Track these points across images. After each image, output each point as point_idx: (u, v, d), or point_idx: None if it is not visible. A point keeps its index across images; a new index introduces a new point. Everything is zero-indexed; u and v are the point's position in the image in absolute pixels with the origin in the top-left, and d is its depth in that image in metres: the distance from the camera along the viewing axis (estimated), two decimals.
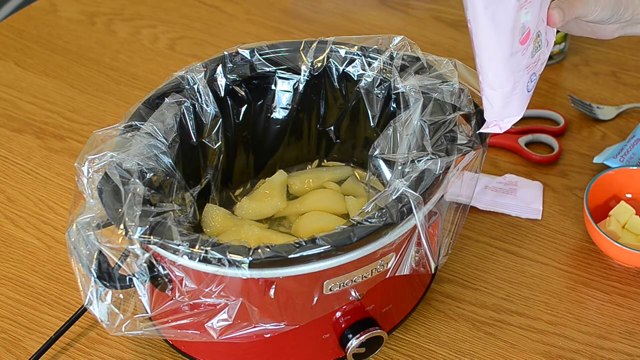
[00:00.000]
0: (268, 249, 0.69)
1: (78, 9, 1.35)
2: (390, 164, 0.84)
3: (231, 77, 0.90)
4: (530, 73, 0.76)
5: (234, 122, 0.92)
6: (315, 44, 0.91)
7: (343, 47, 0.90)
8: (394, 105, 0.88)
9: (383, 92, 0.89)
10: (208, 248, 0.69)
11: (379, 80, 0.89)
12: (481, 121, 0.79)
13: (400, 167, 0.78)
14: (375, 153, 0.83)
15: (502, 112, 0.77)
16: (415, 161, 0.77)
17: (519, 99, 0.77)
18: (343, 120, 0.95)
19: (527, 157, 1.07)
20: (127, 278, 0.72)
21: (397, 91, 0.86)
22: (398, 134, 0.82)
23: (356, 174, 0.98)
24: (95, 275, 0.71)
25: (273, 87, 0.92)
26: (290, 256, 0.69)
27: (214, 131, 0.89)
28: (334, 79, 0.91)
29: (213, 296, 0.71)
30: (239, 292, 0.72)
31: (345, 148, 0.98)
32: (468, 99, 0.81)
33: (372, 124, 0.91)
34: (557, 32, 0.87)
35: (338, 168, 0.99)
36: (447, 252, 0.85)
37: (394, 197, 0.73)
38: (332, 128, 0.96)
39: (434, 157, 0.76)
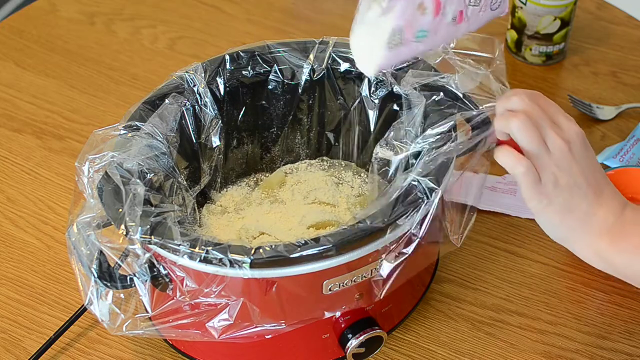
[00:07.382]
0: (269, 249, 0.69)
1: (78, 9, 1.35)
2: (391, 164, 0.83)
3: (231, 78, 0.90)
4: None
5: (233, 122, 0.92)
6: (316, 45, 0.91)
7: (344, 48, 0.90)
8: (395, 107, 0.88)
9: (382, 94, 0.89)
10: (209, 248, 0.69)
11: (378, 83, 0.88)
12: (481, 121, 0.79)
13: (400, 168, 0.78)
14: (377, 154, 0.83)
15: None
16: (416, 161, 0.77)
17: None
18: (343, 122, 0.95)
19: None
20: (128, 278, 0.72)
21: (397, 92, 0.86)
22: (400, 135, 0.82)
23: (356, 172, 0.98)
24: (95, 275, 0.71)
25: (272, 87, 0.92)
26: (291, 256, 0.69)
27: (214, 132, 0.89)
28: (334, 80, 0.91)
29: (214, 296, 0.71)
30: (239, 292, 0.72)
31: (346, 149, 0.98)
32: (468, 98, 0.81)
33: (371, 126, 0.91)
34: None
35: (338, 167, 0.99)
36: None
37: (393, 198, 0.73)
38: (332, 129, 0.96)
39: (434, 157, 0.76)
